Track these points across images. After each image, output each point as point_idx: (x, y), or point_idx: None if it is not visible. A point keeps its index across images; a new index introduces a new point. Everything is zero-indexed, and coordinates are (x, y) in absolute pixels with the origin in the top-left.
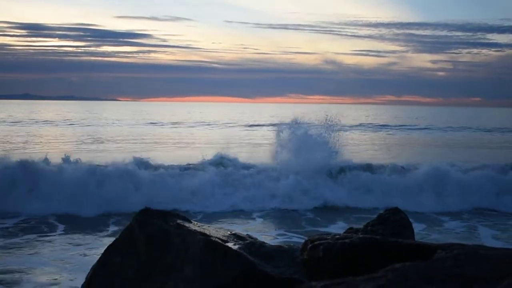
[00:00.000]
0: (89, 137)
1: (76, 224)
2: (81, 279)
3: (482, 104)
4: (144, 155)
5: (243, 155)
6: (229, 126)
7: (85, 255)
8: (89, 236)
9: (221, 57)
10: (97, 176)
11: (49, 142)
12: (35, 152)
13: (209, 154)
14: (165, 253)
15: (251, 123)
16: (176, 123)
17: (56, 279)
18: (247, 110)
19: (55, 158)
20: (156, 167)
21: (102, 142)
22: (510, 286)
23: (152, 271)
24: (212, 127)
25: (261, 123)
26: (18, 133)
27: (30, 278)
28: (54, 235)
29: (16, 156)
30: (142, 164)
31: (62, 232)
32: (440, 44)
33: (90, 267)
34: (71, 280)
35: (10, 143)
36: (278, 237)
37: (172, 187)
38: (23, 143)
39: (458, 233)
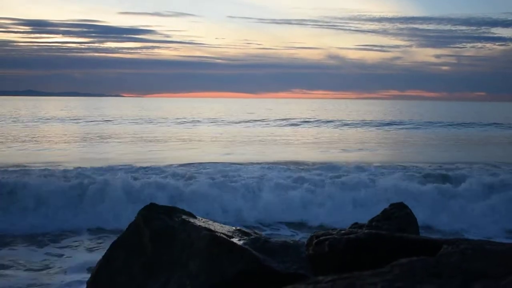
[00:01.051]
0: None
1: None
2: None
3: (486, 98)
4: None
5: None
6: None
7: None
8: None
9: (224, 53)
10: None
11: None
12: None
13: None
14: (170, 248)
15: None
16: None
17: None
18: (268, 106)
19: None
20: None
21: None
22: None
23: (157, 267)
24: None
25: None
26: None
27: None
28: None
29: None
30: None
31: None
32: (444, 39)
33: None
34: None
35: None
36: None
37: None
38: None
39: None
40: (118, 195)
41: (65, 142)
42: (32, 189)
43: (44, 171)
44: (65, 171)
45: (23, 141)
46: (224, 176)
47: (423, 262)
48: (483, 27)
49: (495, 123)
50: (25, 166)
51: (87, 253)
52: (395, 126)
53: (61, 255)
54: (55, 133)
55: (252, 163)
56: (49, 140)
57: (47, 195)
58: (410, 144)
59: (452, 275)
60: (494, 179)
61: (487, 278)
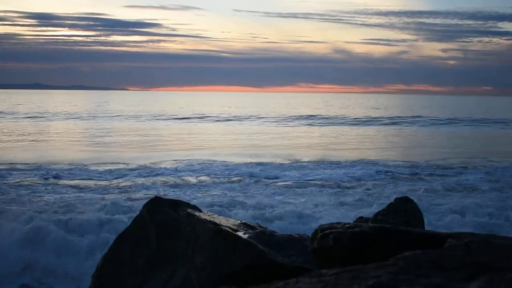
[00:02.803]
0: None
1: None
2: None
3: (493, 93)
4: None
5: None
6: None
7: None
8: None
9: (230, 46)
10: None
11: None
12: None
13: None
14: (175, 241)
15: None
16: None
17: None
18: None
19: None
20: None
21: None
22: None
23: (162, 260)
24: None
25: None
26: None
27: None
28: None
29: None
30: None
31: None
32: (451, 33)
33: None
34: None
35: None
36: None
37: None
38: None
39: None
40: None
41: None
42: None
43: None
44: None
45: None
46: None
47: (428, 255)
48: (490, 21)
49: None
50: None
51: None
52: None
53: None
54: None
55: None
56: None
57: None
58: None
59: (457, 268)
60: None
61: (491, 271)
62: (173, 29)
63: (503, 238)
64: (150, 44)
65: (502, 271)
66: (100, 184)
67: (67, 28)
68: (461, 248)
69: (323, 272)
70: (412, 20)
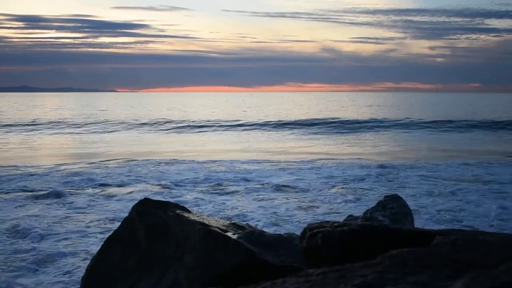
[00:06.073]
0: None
1: None
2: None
3: (481, 89)
4: None
5: None
6: None
7: None
8: None
9: (219, 47)
10: None
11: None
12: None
13: None
14: (165, 243)
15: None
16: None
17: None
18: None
19: None
20: None
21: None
22: (508, 270)
23: (152, 261)
24: None
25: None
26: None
27: None
28: None
29: None
30: None
31: None
32: (439, 30)
33: None
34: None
35: None
36: None
37: None
38: None
39: None
40: None
41: None
42: None
43: None
44: None
45: None
46: None
47: (414, 253)
48: (477, 19)
49: None
50: None
51: None
52: None
53: None
54: None
55: None
56: None
57: None
58: None
59: (443, 266)
60: None
61: (477, 268)
62: (162, 30)
63: (489, 234)
64: (138, 45)
65: (487, 268)
66: (86, 191)
67: (54, 30)
68: (447, 246)
69: (310, 271)
70: (400, 18)
